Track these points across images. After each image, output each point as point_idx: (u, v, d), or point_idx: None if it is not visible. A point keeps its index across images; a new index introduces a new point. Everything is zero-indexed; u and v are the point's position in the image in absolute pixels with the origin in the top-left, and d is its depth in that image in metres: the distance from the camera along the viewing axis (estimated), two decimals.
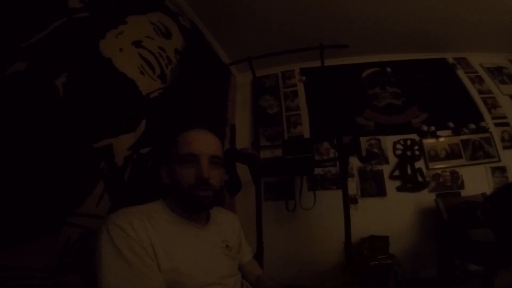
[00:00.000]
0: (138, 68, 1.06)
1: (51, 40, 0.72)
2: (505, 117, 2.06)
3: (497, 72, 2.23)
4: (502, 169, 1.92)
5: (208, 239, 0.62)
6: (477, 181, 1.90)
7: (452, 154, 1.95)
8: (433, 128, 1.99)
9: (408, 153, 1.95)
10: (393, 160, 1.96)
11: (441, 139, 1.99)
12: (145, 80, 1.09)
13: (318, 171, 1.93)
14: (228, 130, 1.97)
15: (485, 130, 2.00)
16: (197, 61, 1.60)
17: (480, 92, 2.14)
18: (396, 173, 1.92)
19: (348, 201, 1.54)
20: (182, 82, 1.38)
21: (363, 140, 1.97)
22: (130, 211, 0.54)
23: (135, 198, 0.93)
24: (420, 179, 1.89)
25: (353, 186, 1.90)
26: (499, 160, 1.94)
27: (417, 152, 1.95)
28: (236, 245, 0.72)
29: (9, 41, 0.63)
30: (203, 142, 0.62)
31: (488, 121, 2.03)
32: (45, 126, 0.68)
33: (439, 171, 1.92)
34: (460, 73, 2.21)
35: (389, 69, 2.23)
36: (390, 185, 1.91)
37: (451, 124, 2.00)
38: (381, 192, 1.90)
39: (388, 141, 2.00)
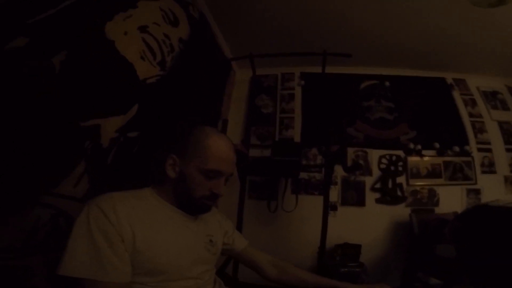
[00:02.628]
0: (139, 53, 1.05)
1: (57, 18, 0.71)
2: (489, 143, 2.13)
3: (491, 96, 2.28)
4: (477, 191, 2.02)
5: (193, 230, 0.62)
6: (452, 200, 1.98)
7: (433, 173, 2.03)
8: (419, 146, 2.05)
9: (392, 168, 2.02)
10: (376, 173, 2.03)
11: (425, 158, 2.06)
12: (144, 65, 1.07)
13: (303, 175, 1.97)
14: (221, 124, 1.98)
15: (468, 154, 2.07)
16: (200, 52, 1.58)
17: (470, 115, 2.20)
18: (378, 185, 2.00)
19: (328, 207, 1.59)
20: (182, 71, 1.37)
21: (350, 151, 2.02)
22: (117, 195, 0.53)
23: (115, 182, 0.91)
24: (399, 193, 1.98)
25: (334, 193, 1.96)
26: (476, 183, 2.03)
27: (400, 168, 2.02)
28: (219, 242, 0.72)
29: (15, 17, 0.61)
30: (230, 161, 0.61)
31: (472, 145, 2.10)
32: (33, 101, 0.66)
33: (418, 188, 2.00)
34: (456, 94, 2.25)
35: (387, 83, 2.26)
36: (370, 196, 1.99)
37: (436, 145, 2.07)
38: (360, 202, 1.98)
39: (374, 154, 2.05)
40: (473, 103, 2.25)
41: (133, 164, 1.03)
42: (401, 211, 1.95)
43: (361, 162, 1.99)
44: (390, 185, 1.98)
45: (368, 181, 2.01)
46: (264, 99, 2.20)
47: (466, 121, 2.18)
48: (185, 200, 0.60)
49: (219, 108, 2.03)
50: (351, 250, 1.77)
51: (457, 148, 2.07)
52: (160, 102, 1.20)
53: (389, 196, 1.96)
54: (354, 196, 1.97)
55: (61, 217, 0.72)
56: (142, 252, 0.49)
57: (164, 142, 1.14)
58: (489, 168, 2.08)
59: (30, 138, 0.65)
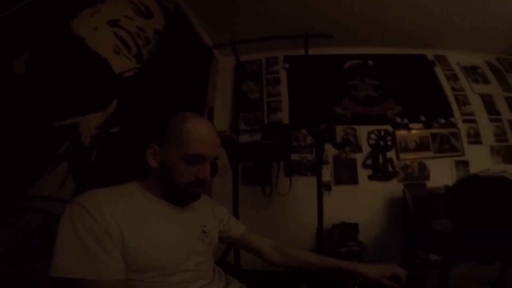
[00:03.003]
0: (112, 48, 1.03)
1: (14, 19, 0.68)
2: (473, 114, 2.19)
3: (472, 71, 2.34)
4: (465, 163, 2.06)
5: (184, 222, 0.60)
6: (442, 173, 2.02)
7: (421, 145, 2.06)
8: (406, 120, 2.08)
9: (381, 143, 2.03)
10: (366, 149, 2.04)
11: (413, 132, 2.09)
12: (118, 59, 1.06)
13: (294, 157, 1.96)
14: (206, 113, 1.94)
15: (454, 125, 2.12)
16: (178, 43, 1.56)
17: (453, 89, 2.25)
18: (369, 162, 2.00)
19: (322, 187, 1.58)
20: (161, 63, 1.35)
21: (339, 129, 2.02)
22: (100, 192, 0.51)
23: (102, 180, 0.90)
24: (390, 168, 1.99)
25: (327, 173, 1.96)
26: (463, 154, 2.07)
27: (389, 143, 2.04)
28: (214, 231, 0.69)
29: None
30: (213, 144, 0.58)
31: (457, 117, 2.15)
32: None
33: (408, 162, 2.02)
34: (438, 70, 2.30)
35: (370, 62, 2.28)
36: (363, 174, 1.99)
37: (423, 118, 2.10)
38: (353, 179, 1.98)
39: (363, 131, 2.07)
40: (455, 78, 2.31)
41: (119, 160, 1.01)
42: (394, 187, 1.96)
43: (350, 138, 1.99)
44: (381, 160, 1.99)
45: (359, 158, 2.02)
46: (249, 85, 2.19)
47: (450, 94, 2.23)
48: (171, 190, 0.57)
49: (204, 98, 1.99)
50: (349, 229, 1.75)
51: (442, 120, 2.11)
52: (140, 96, 1.18)
53: (380, 172, 1.97)
54: (346, 174, 1.97)
55: (53, 220, 0.72)
56: (132, 249, 0.48)
57: (146, 134, 1.12)
58: (475, 138, 2.14)
59: None
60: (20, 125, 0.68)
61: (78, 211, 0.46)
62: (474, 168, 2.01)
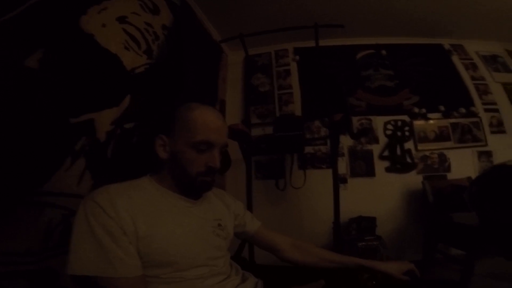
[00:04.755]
0: (122, 44, 1.04)
1: (25, 17, 0.69)
2: (495, 103, 2.08)
3: (492, 60, 2.24)
4: (488, 154, 1.96)
5: (199, 216, 0.59)
6: (463, 164, 1.93)
7: (441, 136, 1.97)
8: (424, 110, 1.99)
9: (398, 133, 1.96)
10: (383, 140, 1.97)
11: (431, 121, 2.00)
12: (129, 55, 1.07)
13: (308, 149, 1.92)
14: (218, 106, 1.93)
15: (475, 114, 2.02)
16: (186, 38, 1.57)
17: (473, 78, 2.15)
18: (386, 153, 1.93)
19: (338, 180, 1.53)
20: (170, 58, 1.36)
21: (354, 120, 1.96)
22: (113, 187, 0.51)
23: (119, 175, 0.90)
24: (409, 160, 1.91)
25: (343, 165, 1.91)
26: (486, 144, 1.97)
27: (407, 133, 1.96)
28: (229, 225, 0.67)
29: None
30: (220, 131, 0.57)
31: (478, 107, 2.05)
32: (12, 103, 0.64)
33: (427, 153, 1.94)
34: (455, 59, 2.21)
35: (384, 52, 2.21)
36: (380, 166, 1.93)
37: (442, 108, 2.01)
38: (370, 172, 1.91)
39: (379, 121, 2.00)
40: (474, 67, 2.21)
41: (134, 155, 1.02)
42: (413, 179, 1.89)
43: (368, 127, 1.93)
44: (398, 152, 1.91)
45: (376, 149, 1.95)
46: (260, 78, 2.16)
47: (469, 84, 2.13)
48: (183, 181, 0.56)
49: (215, 92, 1.99)
50: (366, 223, 1.69)
51: (463, 110, 2.01)
52: (153, 91, 1.19)
53: (398, 163, 1.90)
54: (362, 166, 1.91)
55: (72, 216, 0.74)
56: (147, 244, 0.47)
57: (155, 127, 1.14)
58: (498, 128, 2.03)
59: (11, 138, 0.63)
60: (34, 121, 0.69)
61: (92, 207, 0.46)
62: (498, 159, 1.91)
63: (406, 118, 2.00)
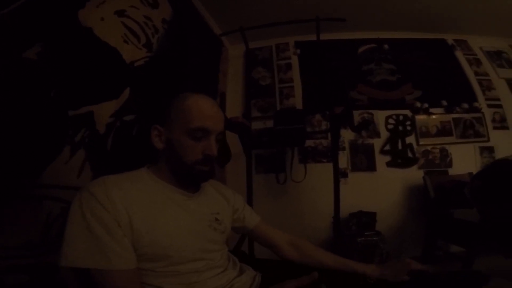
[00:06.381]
0: (121, 37, 1.04)
1: (23, 11, 0.68)
2: (498, 99, 2.06)
3: (496, 56, 2.21)
4: (490, 149, 1.94)
5: (195, 209, 0.58)
6: (465, 160, 1.91)
7: (443, 131, 1.96)
8: (426, 105, 1.98)
9: (400, 128, 1.94)
10: (384, 134, 1.96)
11: (433, 116, 1.99)
12: (129, 49, 1.07)
13: (309, 143, 1.91)
14: (218, 99, 1.92)
15: (478, 110, 2.00)
16: (186, 31, 1.56)
17: (476, 73, 2.13)
18: (387, 147, 1.92)
19: (339, 175, 1.52)
20: (170, 51, 1.36)
21: (355, 114, 1.94)
22: (110, 179, 0.50)
23: (118, 167, 0.90)
24: (410, 155, 1.90)
25: (343, 159, 1.89)
26: (488, 140, 1.95)
27: (408, 128, 1.95)
28: (227, 219, 0.66)
29: None
30: (216, 117, 0.57)
31: (481, 102, 2.03)
32: (10, 94, 0.63)
33: (429, 148, 1.93)
34: (459, 54, 2.18)
35: (386, 46, 2.19)
36: (381, 160, 1.91)
37: (444, 102, 2.00)
38: (371, 166, 1.90)
39: (380, 116, 1.98)
40: (478, 62, 2.18)
41: (133, 147, 1.02)
42: (414, 174, 1.87)
43: (368, 119, 1.91)
44: (400, 146, 1.90)
45: (377, 143, 1.94)
46: (260, 72, 2.15)
47: (472, 79, 2.11)
48: (180, 171, 0.55)
49: (215, 86, 1.98)
50: (366, 218, 1.68)
51: (466, 105, 1.99)
52: (152, 84, 1.19)
53: (400, 158, 1.88)
54: (363, 160, 1.90)
55: None
56: (141, 236, 0.46)
57: (151, 118, 1.13)
58: (501, 123, 2.01)
59: (8, 130, 0.62)
60: (32, 112, 0.68)
61: (87, 198, 0.45)
62: (500, 154, 1.90)
63: (408, 112, 1.99)
